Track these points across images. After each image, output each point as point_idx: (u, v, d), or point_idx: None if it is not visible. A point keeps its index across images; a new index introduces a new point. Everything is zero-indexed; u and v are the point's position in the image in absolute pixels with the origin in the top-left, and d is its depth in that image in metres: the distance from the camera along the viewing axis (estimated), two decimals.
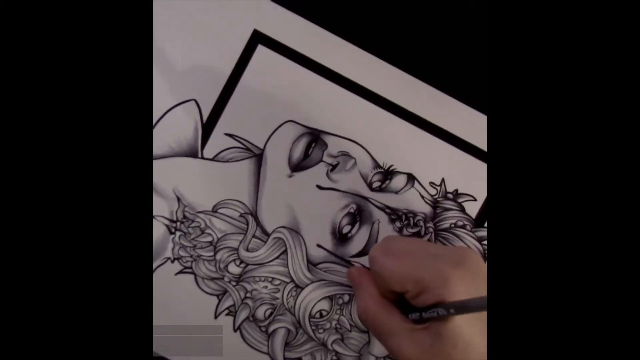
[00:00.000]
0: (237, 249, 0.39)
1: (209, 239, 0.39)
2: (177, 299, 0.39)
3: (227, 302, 0.39)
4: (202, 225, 0.39)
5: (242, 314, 0.39)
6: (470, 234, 0.39)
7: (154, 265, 0.39)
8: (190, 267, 0.39)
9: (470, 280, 0.30)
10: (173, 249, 0.39)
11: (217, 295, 0.39)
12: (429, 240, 0.39)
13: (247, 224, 0.39)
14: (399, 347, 0.32)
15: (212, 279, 0.39)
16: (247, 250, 0.39)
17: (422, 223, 0.39)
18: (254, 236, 0.39)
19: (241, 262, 0.39)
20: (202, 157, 0.39)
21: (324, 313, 0.39)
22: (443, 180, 0.39)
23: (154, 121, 0.38)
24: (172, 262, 0.39)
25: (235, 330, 0.39)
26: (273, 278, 0.39)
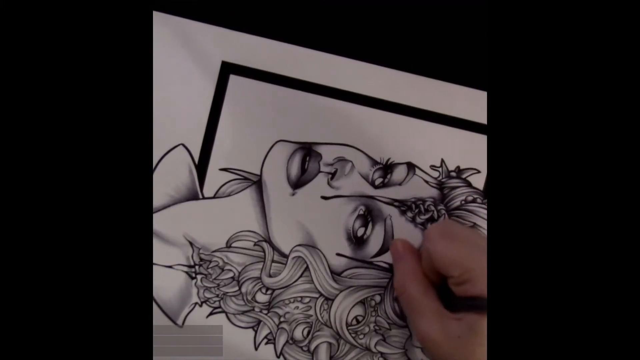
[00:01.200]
0: (260, 278, 0.39)
1: (230, 274, 0.39)
2: (214, 340, 0.39)
3: (264, 331, 0.39)
4: (221, 263, 0.39)
5: (281, 339, 0.39)
6: (482, 206, 0.39)
7: (184, 312, 0.39)
8: (220, 307, 0.39)
9: None
10: (198, 293, 0.39)
11: (252, 327, 0.39)
12: None
13: (264, 251, 0.39)
14: (427, 329, 0.32)
15: (243, 312, 0.39)
16: (270, 276, 0.39)
17: (432, 207, 0.39)
18: (273, 261, 0.39)
19: (267, 289, 0.39)
20: (204, 197, 0.39)
21: (360, 318, 0.39)
22: (443, 160, 0.39)
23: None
24: (200, 306, 0.39)
25: (278, 357, 0.39)
26: (302, 297, 0.39)
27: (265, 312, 0.39)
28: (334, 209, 0.38)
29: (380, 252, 0.39)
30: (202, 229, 0.39)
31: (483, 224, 0.38)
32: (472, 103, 0.38)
